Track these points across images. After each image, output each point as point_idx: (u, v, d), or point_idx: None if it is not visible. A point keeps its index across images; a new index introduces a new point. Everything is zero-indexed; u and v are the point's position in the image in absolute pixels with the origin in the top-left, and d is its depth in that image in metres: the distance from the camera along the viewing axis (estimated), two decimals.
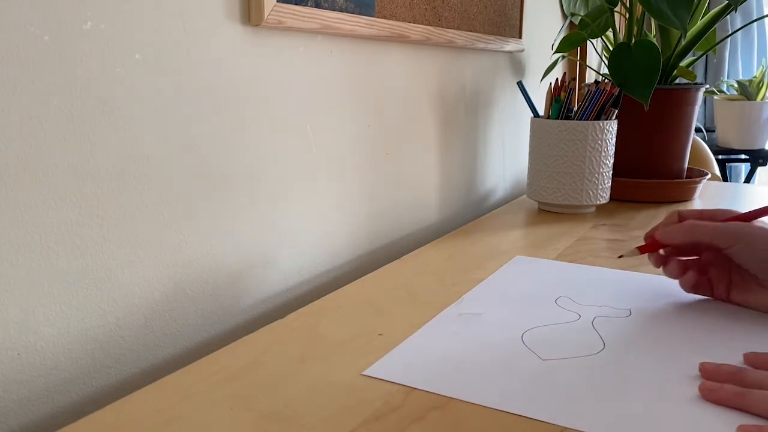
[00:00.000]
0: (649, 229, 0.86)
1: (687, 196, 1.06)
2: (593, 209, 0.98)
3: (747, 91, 2.22)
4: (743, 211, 0.57)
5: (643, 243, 0.60)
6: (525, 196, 1.07)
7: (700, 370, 0.45)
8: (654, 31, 1.14)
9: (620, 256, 0.61)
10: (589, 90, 0.93)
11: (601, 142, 0.92)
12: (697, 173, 1.12)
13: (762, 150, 2.30)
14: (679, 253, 0.60)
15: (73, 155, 0.46)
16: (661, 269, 0.60)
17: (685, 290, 0.59)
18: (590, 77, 1.66)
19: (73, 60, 0.45)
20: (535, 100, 1.01)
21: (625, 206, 1.02)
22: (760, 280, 0.55)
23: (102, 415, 0.40)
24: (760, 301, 0.55)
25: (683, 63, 1.09)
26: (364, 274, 0.68)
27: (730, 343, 0.50)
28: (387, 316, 0.56)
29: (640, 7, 0.99)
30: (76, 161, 0.46)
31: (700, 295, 0.59)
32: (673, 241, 0.57)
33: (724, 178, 2.54)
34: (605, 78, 1.15)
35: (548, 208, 0.98)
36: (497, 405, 0.41)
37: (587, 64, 1.55)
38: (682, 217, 0.59)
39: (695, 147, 1.67)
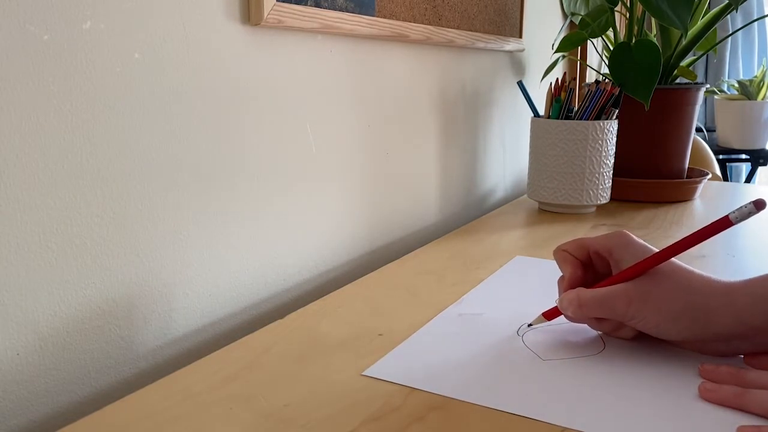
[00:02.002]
0: (648, 229, 0.87)
1: (687, 196, 1.06)
2: (593, 209, 0.98)
3: (747, 90, 2.22)
4: (631, 235, 0.50)
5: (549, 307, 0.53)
6: (525, 196, 1.07)
7: (699, 370, 0.45)
8: (654, 31, 1.14)
9: (529, 325, 0.53)
10: (589, 90, 0.93)
11: (602, 142, 0.92)
12: (697, 173, 1.12)
13: (762, 150, 2.30)
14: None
15: (73, 155, 0.46)
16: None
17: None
18: (590, 77, 1.65)
19: (73, 60, 0.45)
20: (536, 100, 1.01)
21: (626, 206, 1.02)
22: None
23: (102, 415, 0.40)
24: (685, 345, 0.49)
25: (684, 63, 1.09)
26: (364, 274, 0.68)
27: None
28: (387, 316, 0.56)
29: (641, 6, 0.99)
30: (76, 161, 0.46)
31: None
32: (571, 318, 0.50)
33: (725, 178, 2.54)
34: (605, 78, 1.15)
35: (548, 208, 0.98)
36: (497, 405, 0.41)
37: (587, 63, 1.55)
38: (572, 255, 0.51)
39: (696, 147, 1.67)
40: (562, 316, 0.51)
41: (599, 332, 0.52)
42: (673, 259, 0.47)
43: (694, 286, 0.45)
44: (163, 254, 0.54)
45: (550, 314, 0.52)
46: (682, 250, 0.46)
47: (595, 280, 0.51)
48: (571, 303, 0.49)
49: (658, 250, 0.47)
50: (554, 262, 0.72)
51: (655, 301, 0.45)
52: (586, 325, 0.53)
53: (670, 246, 0.46)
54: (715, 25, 1.04)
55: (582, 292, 0.48)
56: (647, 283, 0.46)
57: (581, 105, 0.93)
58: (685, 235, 0.46)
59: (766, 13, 2.59)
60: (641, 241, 0.50)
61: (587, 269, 0.51)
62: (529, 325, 0.53)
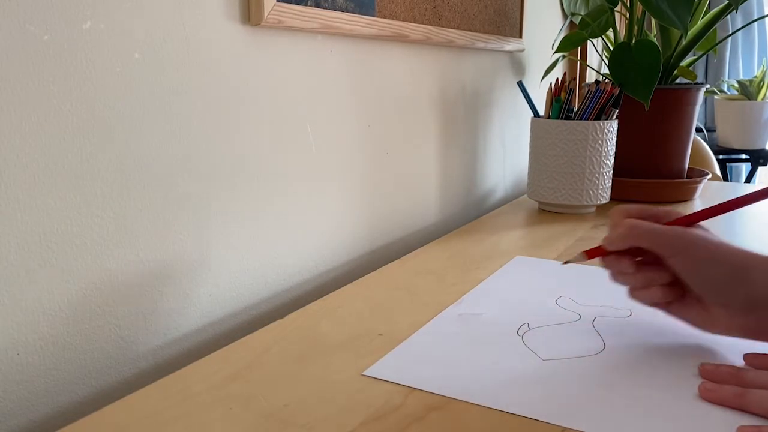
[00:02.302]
0: None
1: (687, 196, 1.06)
2: (593, 209, 0.98)
3: (747, 90, 2.22)
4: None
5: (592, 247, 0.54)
6: (525, 196, 1.06)
7: (699, 370, 0.45)
8: (654, 31, 1.14)
9: (566, 262, 0.54)
10: (589, 90, 0.93)
11: (602, 142, 0.92)
12: (697, 173, 1.12)
13: (762, 150, 2.30)
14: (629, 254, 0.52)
15: (73, 155, 0.46)
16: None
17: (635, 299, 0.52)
18: (590, 77, 1.65)
19: (73, 60, 0.45)
20: (536, 100, 1.01)
21: None
22: (700, 296, 0.49)
23: (102, 415, 0.40)
24: (696, 319, 0.50)
25: (684, 63, 1.09)
26: (364, 274, 0.68)
27: (730, 344, 0.50)
28: (387, 316, 0.56)
29: (641, 6, 0.99)
30: (76, 161, 0.46)
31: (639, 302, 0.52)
32: (617, 246, 0.50)
33: (725, 178, 2.53)
34: (605, 78, 1.15)
35: (548, 208, 0.98)
36: (497, 405, 0.41)
37: (587, 63, 1.55)
38: (629, 213, 0.52)
39: (696, 147, 1.67)
40: (568, 317, 0.51)
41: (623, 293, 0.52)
42: None
43: (737, 248, 0.47)
44: (163, 254, 0.54)
45: (592, 252, 0.53)
46: (732, 209, 0.49)
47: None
48: (622, 225, 0.49)
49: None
50: (554, 262, 0.72)
51: (703, 242, 0.47)
52: (586, 326, 0.53)
53: (720, 204, 0.49)
54: (715, 25, 1.04)
55: (636, 220, 0.50)
56: (699, 230, 0.49)
57: (581, 105, 0.93)
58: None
59: (766, 13, 2.59)
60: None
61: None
62: (566, 262, 0.54)
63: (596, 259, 0.73)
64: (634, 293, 0.51)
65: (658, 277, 0.50)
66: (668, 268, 0.49)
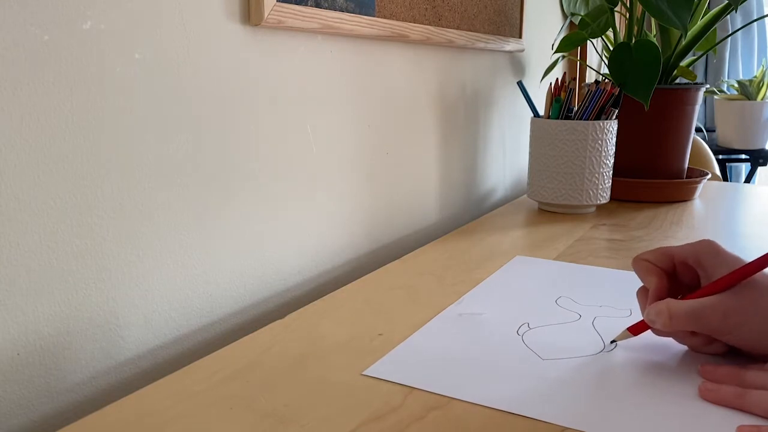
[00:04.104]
0: (648, 229, 0.87)
1: (687, 196, 1.06)
2: (593, 209, 0.98)
3: (747, 91, 2.22)
4: (717, 243, 0.47)
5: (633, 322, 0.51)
6: (525, 196, 1.07)
7: (699, 370, 0.45)
8: (654, 31, 1.14)
9: (613, 341, 0.50)
10: (589, 90, 0.93)
11: (602, 142, 0.92)
12: (697, 173, 1.12)
13: (762, 150, 2.30)
14: None
15: (73, 155, 0.46)
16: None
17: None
18: (590, 77, 1.65)
19: (73, 60, 0.45)
20: (536, 100, 1.01)
21: (626, 206, 1.02)
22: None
23: (102, 415, 0.40)
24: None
25: (683, 63, 1.09)
26: (364, 274, 0.68)
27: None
28: (387, 316, 0.56)
29: (641, 6, 0.99)
30: (77, 161, 0.46)
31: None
32: (659, 331, 0.48)
33: (725, 178, 2.54)
34: (605, 78, 1.15)
35: (548, 208, 0.98)
36: (497, 405, 0.41)
37: (587, 63, 1.55)
38: (656, 264, 0.48)
39: (695, 147, 1.67)
40: (568, 317, 0.50)
41: (685, 347, 0.49)
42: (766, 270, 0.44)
43: None
44: (164, 254, 0.54)
45: (636, 329, 0.49)
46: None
47: (680, 291, 0.49)
48: (660, 314, 0.45)
49: (748, 261, 0.44)
50: (554, 262, 0.72)
51: (756, 315, 0.42)
52: (586, 325, 0.53)
53: (766, 254, 0.43)
54: (715, 25, 1.04)
55: (672, 303, 0.45)
56: (745, 295, 0.43)
57: (581, 105, 0.93)
58: (699, 238, 0.43)
59: (766, 13, 2.59)
60: (728, 251, 0.47)
61: (671, 280, 0.48)
62: (613, 341, 0.50)
63: (593, 257, 0.73)
64: (700, 350, 0.48)
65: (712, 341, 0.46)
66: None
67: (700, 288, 0.46)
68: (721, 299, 0.43)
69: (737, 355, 0.47)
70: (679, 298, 0.46)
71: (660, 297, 0.47)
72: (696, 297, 0.45)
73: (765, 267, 0.43)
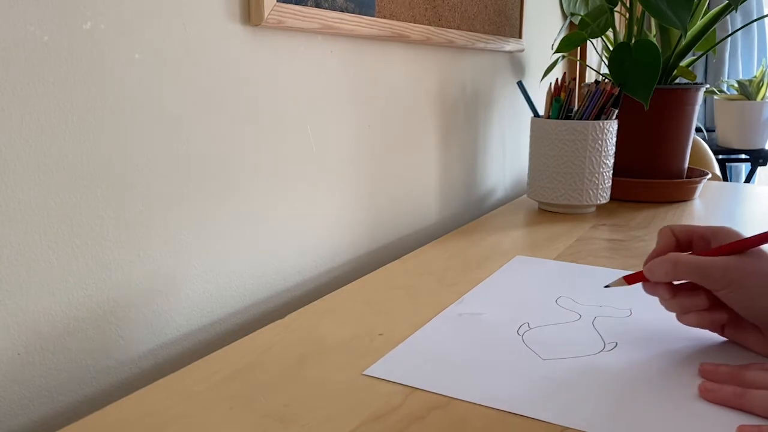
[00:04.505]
0: (648, 229, 0.87)
1: (687, 196, 1.06)
2: (593, 209, 0.98)
3: (747, 90, 2.22)
4: (738, 230, 0.49)
5: (631, 272, 0.53)
6: (525, 196, 1.07)
7: (699, 370, 0.45)
8: (654, 31, 1.14)
9: (606, 286, 0.53)
10: (589, 90, 0.93)
11: (601, 142, 0.92)
12: (697, 173, 1.12)
13: (762, 150, 2.30)
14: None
15: (73, 155, 0.46)
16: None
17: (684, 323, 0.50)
18: (590, 77, 1.65)
19: (73, 60, 0.45)
20: (535, 100, 1.01)
21: (626, 206, 1.02)
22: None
23: (102, 415, 0.40)
24: (755, 344, 0.48)
25: (683, 63, 1.09)
26: (364, 274, 0.68)
27: (730, 344, 0.50)
28: (387, 316, 0.56)
29: (640, 6, 0.99)
30: (76, 161, 0.46)
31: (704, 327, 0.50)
32: (657, 278, 0.49)
33: (725, 178, 2.53)
34: (605, 78, 1.15)
35: (548, 208, 0.98)
36: (497, 405, 0.41)
37: (587, 63, 1.55)
38: (675, 234, 0.51)
39: (695, 147, 1.67)
40: (568, 317, 0.50)
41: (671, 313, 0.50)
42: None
43: None
44: (163, 254, 0.54)
45: (632, 278, 0.51)
46: None
47: None
48: (665, 261, 0.47)
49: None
50: (554, 262, 0.72)
51: (755, 274, 0.45)
52: (586, 325, 0.53)
53: None
54: (715, 25, 1.04)
55: (679, 254, 0.48)
56: (748, 258, 0.46)
57: (581, 105, 0.93)
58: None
59: (765, 13, 2.59)
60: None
61: (682, 250, 0.51)
62: (606, 286, 0.53)
63: (593, 257, 0.73)
64: (678, 318, 0.50)
65: (693, 304, 0.49)
66: (704, 294, 0.48)
67: (709, 250, 0.49)
68: (725, 258, 0.46)
69: (737, 355, 0.47)
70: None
71: (662, 253, 0.50)
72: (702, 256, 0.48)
73: None
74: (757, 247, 0.46)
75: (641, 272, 0.50)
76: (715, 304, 0.48)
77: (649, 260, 0.50)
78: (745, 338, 0.49)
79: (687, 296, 0.49)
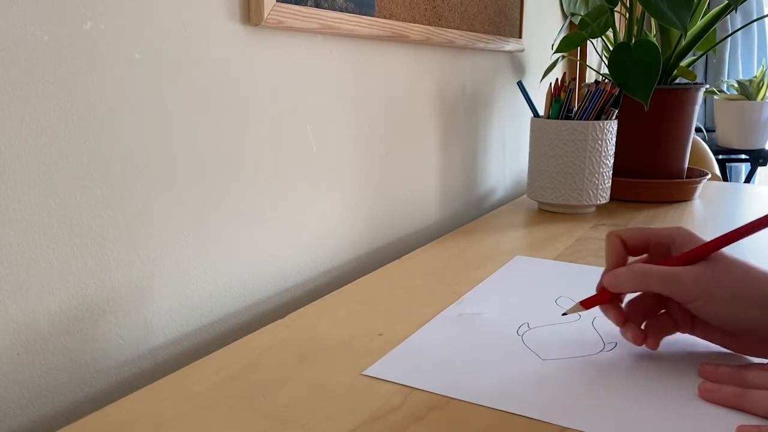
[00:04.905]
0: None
1: (687, 196, 1.06)
2: (593, 209, 0.98)
3: (747, 91, 2.22)
4: (691, 230, 0.48)
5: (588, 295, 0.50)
6: (525, 196, 1.07)
7: (699, 370, 0.45)
8: (654, 31, 1.14)
9: (564, 314, 0.52)
10: (589, 90, 0.93)
11: (601, 142, 0.92)
12: (697, 173, 1.12)
13: (762, 150, 2.30)
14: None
15: (73, 155, 0.46)
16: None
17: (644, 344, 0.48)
18: (590, 77, 1.65)
19: (72, 60, 0.45)
20: (535, 100, 1.01)
21: (626, 206, 1.02)
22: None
23: (102, 415, 0.40)
24: (724, 342, 0.48)
25: (683, 63, 1.09)
26: (364, 274, 0.68)
27: None
28: (387, 316, 0.56)
29: (640, 6, 0.99)
30: (76, 161, 0.46)
31: (668, 335, 0.49)
32: (623, 291, 0.48)
33: (724, 178, 2.53)
34: (605, 78, 1.15)
35: (548, 208, 0.98)
36: (497, 405, 0.41)
37: (587, 64, 1.55)
38: (623, 240, 0.49)
39: (695, 147, 1.67)
40: (568, 317, 0.50)
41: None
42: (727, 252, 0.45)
43: (763, 276, 0.44)
44: (163, 254, 0.54)
45: (589, 302, 0.49)
46: (748, 235, 0.44)
47: None
48: (632, 272, 0.46)
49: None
50: (554, 262, 0.72)
51: (725, 283, 0.44)
52: (585, 326, 0.53)
53: (735, 230, 0.45)
54: (715, 25, 1.04)
55: (646, 265, 0.46)
56: (717, 265, 0.44)
57: (581, 105, 0.93)
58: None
59: (765, 13, 2.59)
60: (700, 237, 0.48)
61: (632, 255, 0.50)
62: (564, 314, 0.51)
63: (593, 257, 0.73)
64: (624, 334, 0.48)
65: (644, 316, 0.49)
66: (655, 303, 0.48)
67: (672, 258, 0.47)
68: (694, 267, 0.45)
69: (737, 355, 0.47)
70: None
71: (619, 265, 0.48)
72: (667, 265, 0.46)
73: (735, 240, 0.45)
74: (719, 251, 0.45)
75: (597, 295, 0.49)
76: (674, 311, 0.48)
77: (607, 272, 0.48)
78: (715, 339, 0.48)
79: (643, 311, 0.48)
